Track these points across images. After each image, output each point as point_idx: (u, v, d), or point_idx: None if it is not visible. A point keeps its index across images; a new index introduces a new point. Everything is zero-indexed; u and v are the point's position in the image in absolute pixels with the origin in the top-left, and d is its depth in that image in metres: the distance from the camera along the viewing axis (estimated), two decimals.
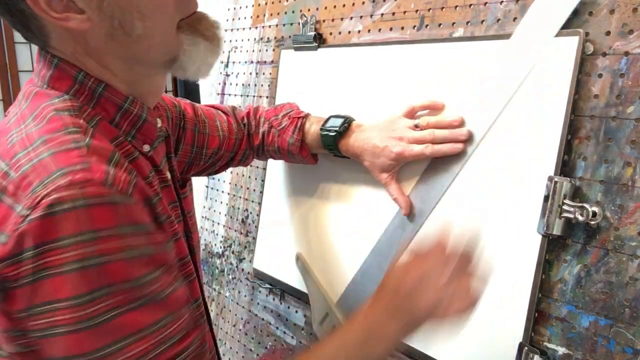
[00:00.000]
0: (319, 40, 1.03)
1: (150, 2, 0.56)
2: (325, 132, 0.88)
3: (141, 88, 0.62)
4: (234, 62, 1.29)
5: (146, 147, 0.63)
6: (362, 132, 0.86)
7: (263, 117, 0.97)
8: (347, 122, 0.88)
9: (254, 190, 1.21)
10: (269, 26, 1.18)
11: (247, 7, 1.25)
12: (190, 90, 2.13)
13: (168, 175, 0.68)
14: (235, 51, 1.29)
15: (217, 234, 1.34)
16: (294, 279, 1.07)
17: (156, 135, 0.65)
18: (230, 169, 1.28)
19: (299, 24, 1.08)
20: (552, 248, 0.69)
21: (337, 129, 0.87)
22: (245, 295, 1.23)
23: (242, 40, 1.26)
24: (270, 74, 1.17)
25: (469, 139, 0.77)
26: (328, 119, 0.90)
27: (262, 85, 1.19)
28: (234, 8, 1.29)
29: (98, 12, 0.55)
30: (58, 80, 0.58)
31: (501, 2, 0.76)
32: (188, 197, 0.77)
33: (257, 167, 1.20)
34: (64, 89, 0.58)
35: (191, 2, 0.61)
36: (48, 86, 0.58)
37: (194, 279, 0.67)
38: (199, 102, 1.99)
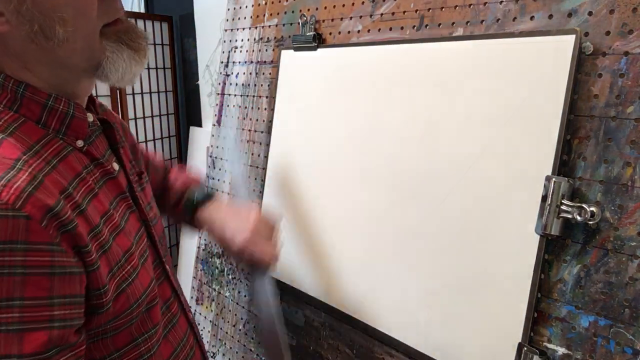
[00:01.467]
0: (319, 40, 1.03)
1: (71, 8, 0.55)
2: (188, 201, 0.95)
3: (66, 90, 0.62)
4: (233, 62, 1.29)
5: (80, 143, 0.63)
6: (217, 212, 0.91)
7: (172, 174, 1.02)
8: (207, 197, 0.94)
9: (254, 190, 1.21)
10: (269, 26, 1.18)
11: (247, 7, 1.25)
12: (190, 90, 2.14)
13: (115, 166, 0.68)
14: (235, 51, 1.29)
15: None
16: (294, 279, 1.07)
17: (88, 130, 0.64)
18: (230, 168, 1.29)
19: (298, 24, 1.08)
20: (552, 248, 0.69)
21: (194, 200, 0.94)
22: (245, 295, 1.23)
23: (242, 40, 1.26)
24: (270, 74, 1.17)
25: None
26: (196, 190, 0.97)
27: (261, 85, 1.19)
28: (234, 8, 1.29)
29: (17, 15, 0.54)
30: None
31: (501, 2, 0.76)
32: (146, 188, 0.78)
33: (257, 167, 1.20)
34: None
35: (113, 8, 0.61)
36: None
37: (140, 269, 0.66)
38: (199, 102, 2.00)
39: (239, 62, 1.27)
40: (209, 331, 1.36)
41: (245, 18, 1.25)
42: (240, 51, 1.27)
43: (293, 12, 1.11)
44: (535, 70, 0.70)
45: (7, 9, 0.54)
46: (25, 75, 0.59)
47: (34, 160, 0.55)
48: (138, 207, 0.71)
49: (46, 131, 0.60)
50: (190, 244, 2.05)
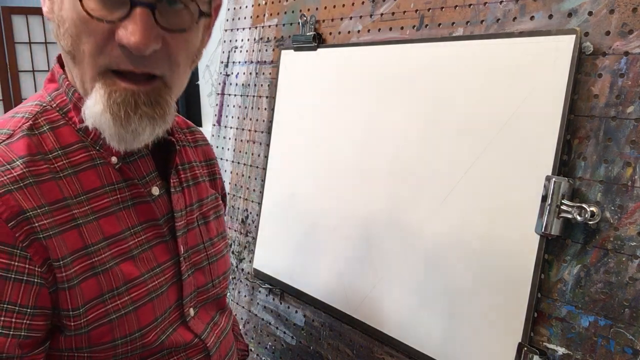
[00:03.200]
0: (319, 40, 1.03)
1: (73, 28, 0.51)
2: None
3: None
4: (233, 62, 1.29)
5: (114, 159, 0.60)
6: None
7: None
8: None
9: (254, 190, 1.21)
10: (269, 26, 1.18)
11: (247, 7, 1.25)
12: (190, 90, 2.13)
13: (154, 190, 0.63)
14: (235, 51, 1.29)
15: None
16: (294, 279, 1.07)
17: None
18: (230, 169, 1.29)
19: (298, 24, 1.08)
20: (552, 248, 0.69)
21: None
22: (245, 295, 1.23)
23: (242, 40, 1.26)
24: (270, 74, 1.17)
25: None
26: None
27: (261, 85, 1.19)
28: (234, 8, 1.29)
29: (51, 4, 0.54)
30: (49, 83, 0.60)
31: (501, 2, 0.76)
32: (210, 223, 0.73)
33: (257, 167, 1.20)
34: (49, 91, 0.59)
35: (107, 53, 0.51)
36: (43, 88, 0.60)
37: (143, 304, 0.60)
38: (199, 102, 1.99)
39: (239, 62, 1.27)
40: None
41: (245, 18, 1.25)
42: (240, 51, 1.27)
43: (293, 12, 1.11)
44: (535, 71, 0.70)
45: None
46: (71, 79, 0.58)
47: (40, 163, 0.54)
48: (174, 239, 0.65)
49: (82, 139, 0.58)
50: None
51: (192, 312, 0.68)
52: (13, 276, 0.50)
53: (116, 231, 0.59)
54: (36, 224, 0.51)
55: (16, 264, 0.50)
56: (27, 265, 0.51)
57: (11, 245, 0.50)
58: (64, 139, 0.57)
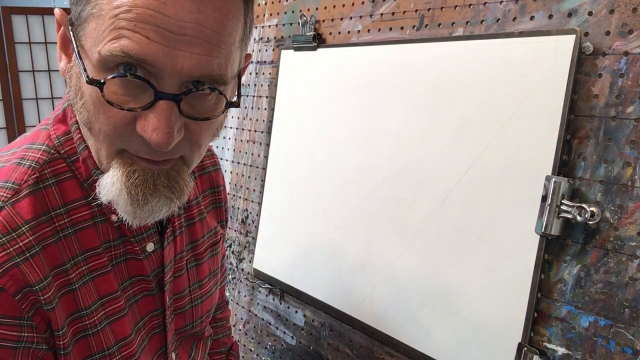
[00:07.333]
0: (319, 40, 1.03)
1: (94, 106, 0.48)
2: None
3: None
4: None
5: (114, 217, 0.58)
6: None
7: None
8: None
9: (254, 190, 1.21)
10: (269, 26, 1.18)
11: None
12: None
13: (149, 247, 0.62)
14: None
15: None
16: (294, 279, 1.07)
17: None
18: (230, 169, 1.29)
19: (298, 24, 1.08)
20: (552, 248, 0.69)
21: None
22: (245, 296, 1.23)
23: None
24: (270, 74, 1.17)
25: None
26: None
27: (261, 85, 1.19)
28: None
29: (69, 59, 0.52)
30: (59, 123, 0.57)
31: (501, 2, 0.76)
32: (202, 266, 0.72)
33: (257, 167, 1.20)
34: (59, 133, 0.56)
35: (126, 139, 0.49)
36: (51, 125, 0.57)
37: None
38: None
39: None
40: None
41: None
42: None
43: (293, 12, 1.11)
44: (535, 71, 0.70)
45: (67, 51, 0.52)
46: (84, 136, 0.56)
47: (44, 226, 0.53)
48: (161, 291, 0.65)
49: (86, 194, 0.56)
50: None
51: (173, 356, 0.68)
52: (23, 346, 0.51)
53: (112, 289, 0.58)
54: (41, 297, 0.51)
55: (25, 334, 0.51)
56: (34, 334, 0.51)
57: (19, 318, 0.50)
58: (68, 194, 0.55)
